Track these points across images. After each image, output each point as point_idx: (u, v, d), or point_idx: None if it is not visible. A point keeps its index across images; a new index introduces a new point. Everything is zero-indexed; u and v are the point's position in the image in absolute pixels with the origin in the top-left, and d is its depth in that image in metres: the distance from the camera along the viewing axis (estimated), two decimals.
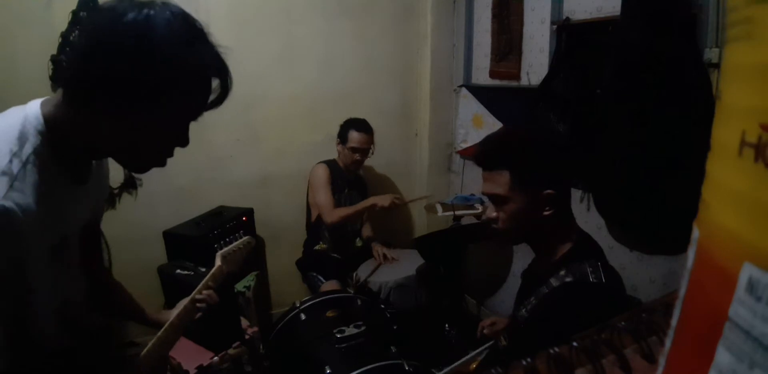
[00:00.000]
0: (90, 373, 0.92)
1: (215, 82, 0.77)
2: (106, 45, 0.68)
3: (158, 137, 0.78)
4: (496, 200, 1.13)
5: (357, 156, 2.53)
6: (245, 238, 1.32)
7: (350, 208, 2.49)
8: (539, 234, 1.13)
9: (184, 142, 0.81)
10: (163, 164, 0.81)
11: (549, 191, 1.08)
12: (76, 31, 0.69)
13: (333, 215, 2.42)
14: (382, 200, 2.40)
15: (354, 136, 2.50)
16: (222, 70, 0.77)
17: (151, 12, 0.69)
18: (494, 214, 1.14)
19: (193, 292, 1.14)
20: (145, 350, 1.05)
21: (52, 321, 0.79)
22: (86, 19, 0.69)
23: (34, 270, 0.71)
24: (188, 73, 0.73)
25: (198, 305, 1.13)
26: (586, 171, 2.02)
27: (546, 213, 1.09)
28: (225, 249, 1.25)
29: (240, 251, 1.27)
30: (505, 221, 1.12)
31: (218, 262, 1.22)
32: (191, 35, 0.73)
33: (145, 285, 2.30)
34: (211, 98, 0.78)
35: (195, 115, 0.79)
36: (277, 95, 2.72)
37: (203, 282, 1.17)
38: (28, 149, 0.69)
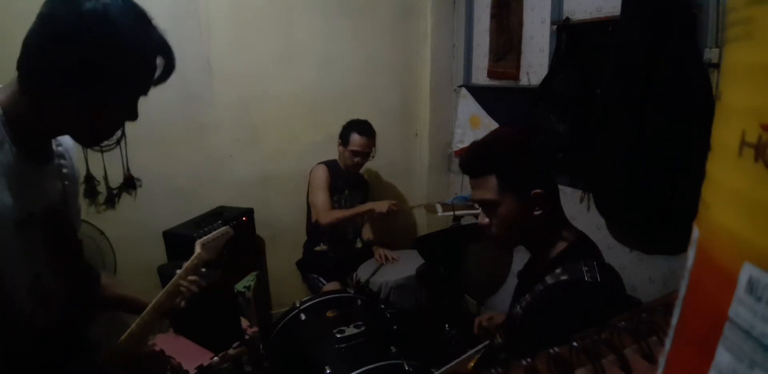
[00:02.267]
0: (69, 354, 0.95)
1: (161, 61, 0.83)
2: (67, 33, 0.73)
3: (110, 114, 0.84)
4: (487, 205, 1.13)
5: (357, 159, 2.52)
6: (223, 228, 1.39)
7: (347, 211, 2.49)
8: (533, 235, 1.14)
9: (133, 116, 0.86)
10: (111, 135, 0.91)
11: (537, 190, 1.08)
12: (35, 19, 0.74)
13: (328, 216, 2.41)
14: (380, 207, 2.39)
15: (355, 139, 2.49)
16: (167, 50, 0.83)
17: (106, 1, 0.75)
18: (486, 220, 1.14)
19: (175, 277, 1.20)
20: (127, 332, 1.11)
21: (24, 298, 0.82)
22: (43, 7, 0.73)
23: (3, 245, 0.76)
24: (139, 55, 0.79)
25: (181, 288, 1.18)
26: (586, 171, 2.02)
27: (536, 213, 1.09)
28: (204, 238, 1.31)
29: (218, 239, 1.34)
30: (498, 226, 1.12)
31: (198, 249, 1.28)
32: (140, 19, 0.80)
33: (145, 285, 2.30)
34: (158, 74, 0.85)
35: (144, 91, 0.85)
36: (277, 95, 2.72)
37: (184, 266, 1.23)
38: None
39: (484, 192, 1.12)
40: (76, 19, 0.73)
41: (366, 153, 2.54)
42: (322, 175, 2.51)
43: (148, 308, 1.13)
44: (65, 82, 0.75)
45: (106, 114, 0.83)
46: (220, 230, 1.37)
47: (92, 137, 0.88)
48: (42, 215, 0.85)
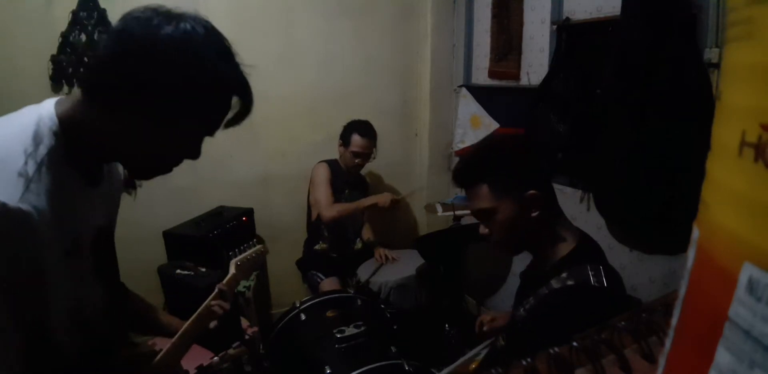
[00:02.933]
0: None
1: (236, 101, 0.78)
2: (142, 55, 0.68)
3: (171, 148, 0.79)
4: (484, 214, 1.13)
5: (358, 160, 2.53)
6: (258, 247, 1.31)
7: (350, 205, 2.49)
8: (534, 238, 1.13)
9: (195, 155, 0.82)
10: (169, 171, 0.83)
11: (531, 191, 1.08)
12: (104, 35, 0.68)
13: (331, 210, 2.41)
14: (382, 201, 2.40)
15: (356, 140, 2.49)
16: (244, 90, 0.78)
17: (188, 27, 0.70)
18: (486, 230, 1.15)
19: (208, 299, 1.13)
20: (159, 356, 1.03)
21: (67, 327, 0.78)
22: (118, 24, 0.68)
23: (50, 274, 0.70)
24: (213, 90, 0.74)
25: (214, 309, 1.11)
26: (586, 171, 2.02)
27: (534, 215, 1.09)
28: (239, 257, 1.24)
29: (253, 259, 1.27)
30: (499, 232, 1.12)
31: (232, 270, 1.21)
32: (221, 53, 0.74)
33: (145, 285, 2.29)
34: (230, 115, 0.79)
35: (212, 130, 0.80)
36: (278, 95, 2.72)
37: (217, 288, 1.16)
38: (42, 150, 0.68)
39: (479, 202, 1.12)
40: (150, 43, 0.68)
41: (367, 154, 2.54)
42: (324, 172, 2.51)
43: (180, 332, 1.06)
44: (127, 105, 0.70)
45: (166, 147, 0.77)
46: (255, 249, 1.30)
47: (147, 169, 0.82)
48: (89, 241, 0.81)
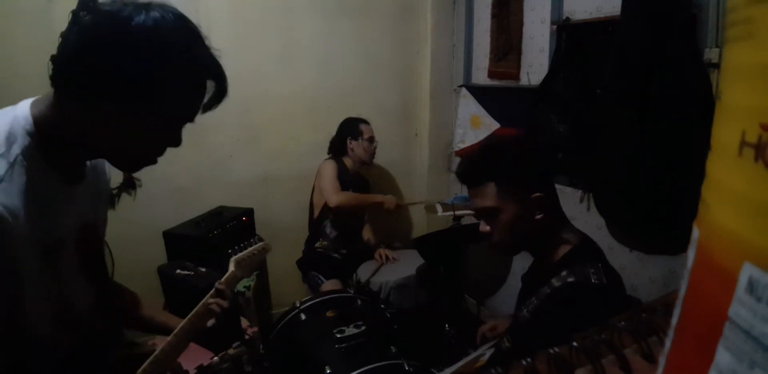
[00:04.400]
0: None
1: (211, 85, 0.78)
2: (114, 47, 0.68)
3: (152, 137, 0.78)
4: (488, 213, 1.13)
5: (374, 146, 2.63)
6: (261, 243, 1.27)
7: (357, 195, 2.56)
8: (536, 240, 1.13)
9: (176, 142, 0.81)
10: (154, 162, 0.82)
11: (537, 194, 1.08)
12: (74, 30, 0.67)
13: (339, 195, 2.45)
14: (388, 203, 2.48)
15: (366, 127, 2.61)
16: (218, 74, 0.78)
17: (157, 15, 0.70)
18: (488, 228, 1.14)
19: (206, 297, 1.11)
20: (154, 355, 1.01)
21: (49, 325, 0.77)
22: (87, 19, 0.68)
23: (25, 275, 0.70)
24: (186, 76, 0.74)
25: (211, 307, 1.09)
26: (586, 171, 2.02)
27: (538, 217, 1.09)
28: (239, 254, 1.22)
29: (254, 256, 1.24)
30: (501, 232, 1.12)
31: (231, 267, 1.19)
32: (192, 39, 0.74)
33: (145, 285, 2.29)
34: (207, 100, 0.79)
35: (190, 116, 0.79)
36: (278, 95, 2.72)
37: (215, 286, 1.14)
38: (15, 149, 0.68)
39: (484, 200, 1.11)
40: (123, 33, 0.68)
41: (375, 140, 2.66)
42: (332, 166, 2.57)
43: (175, 331, 1.04)
44: (104, 98, 0.69)
45: (147, 137, 0.77)
46: (257, 245, 1.25)
47: (132, 162, 0.81)
48: (73, 239, 0.80)
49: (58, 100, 0.72)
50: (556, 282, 1.06)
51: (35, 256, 0.72)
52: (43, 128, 0.72)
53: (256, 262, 1.25)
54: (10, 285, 0.68)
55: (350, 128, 2.62)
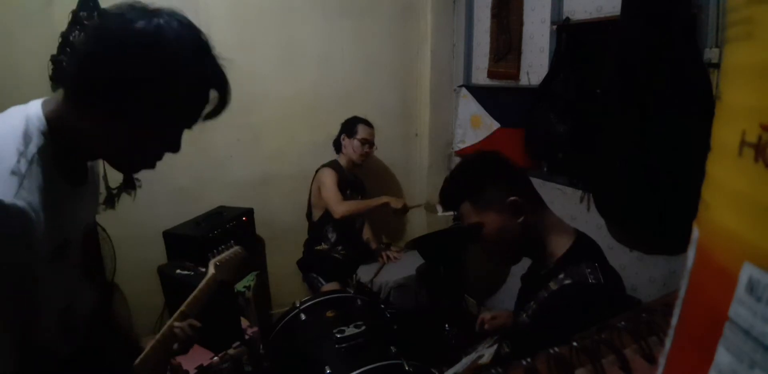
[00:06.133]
0: None
1: (214, 94, 0.78)
2: (115, 50, 0.69)
3: (152, 142, 0.79)
4: (475, 231, 1.16)
5: (366, 148, 2.61)
6: (234, 248, 1.31)
7: (361, 202, 2.55)
8: (527, 242, 1.14)
9: (175, 148, 0.82)
10: (152, 167, 0.83)
11: (511, 198, 1.10)
12: (81, 33, 0.67)
13: (343, 206, 2.44)
14: (395, 202, 2.47)
15: (362, 128, 2.60)
16: (222, 83, 0.78)
17: (161, 21, 0.70)
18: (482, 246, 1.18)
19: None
20: (139, 359, 1.02)
21: (55, 325, 0.78)
22: (94, 21, 0.68)
23: (41, 273, 0.70)
24: (190, 84, 0.74)
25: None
26: (586, 171, 2.02)
27: (520, 220, 1.11)
28: (218, 257, 1.25)
29: (231, 259, 1.27)
30: (491, 243, 1.16)
31: (211, 270, 1.22)
32: (196, 47, 0.75)
33: (145, 285, 2.30)
34: (209, 108, 0.79)
35: (190, 123, 0.80)
36: (277, 95, 2.72)
37: (197, 288, 1.16)
38: (32, 148, 0.69)
39: (467, 219, 1.17)
40: (126, 36, 0.69)
41: (372, 142, 2.64)
42: (331, 174, 2.55)
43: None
44: (108, 99, 0.70)
45: (146, 141, 0.78)
46: (232, 249, 1.30)
47: (131, 164, 0.82)
48: (76, 240, 0.81)
49: (66, 101, 0.73)
50: (553, 285, 1.06)
51: (48, 255, 0.72)
52: (54, 129, 0.72)
53: (234, 266, 1.27)
54: (27, 284, 0.69)
55: (350, 125, 2.63)
